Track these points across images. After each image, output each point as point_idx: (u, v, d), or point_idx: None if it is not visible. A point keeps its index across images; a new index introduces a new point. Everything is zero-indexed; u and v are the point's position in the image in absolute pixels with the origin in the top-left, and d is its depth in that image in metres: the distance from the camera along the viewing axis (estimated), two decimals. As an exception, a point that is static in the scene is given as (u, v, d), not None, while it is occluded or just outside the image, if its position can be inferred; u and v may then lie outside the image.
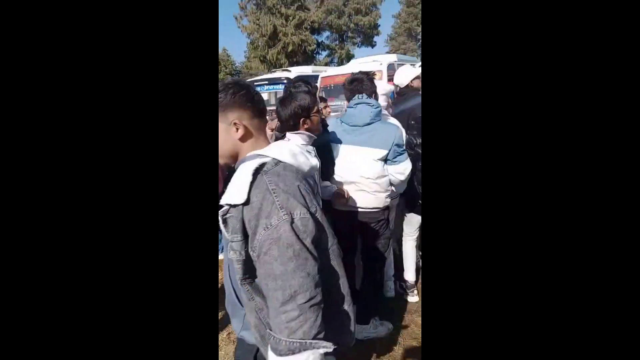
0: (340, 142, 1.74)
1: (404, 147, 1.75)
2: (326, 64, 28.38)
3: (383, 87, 2.48)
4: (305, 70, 9.50)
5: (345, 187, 1.74)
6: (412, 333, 2.00)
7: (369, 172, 1.71)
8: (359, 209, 1.79)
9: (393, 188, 1.82)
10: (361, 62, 7.96)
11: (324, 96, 7.35)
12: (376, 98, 1.80)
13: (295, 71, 9.10)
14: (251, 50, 25.85)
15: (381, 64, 6.88)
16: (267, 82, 8.06)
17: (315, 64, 26.87)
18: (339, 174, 1.76)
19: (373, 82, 1.81)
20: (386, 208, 1.85)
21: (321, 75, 7.50)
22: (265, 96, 8.24)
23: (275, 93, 8.10)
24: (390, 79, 6.80)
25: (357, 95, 1.73)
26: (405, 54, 29.21)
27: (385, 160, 1.71)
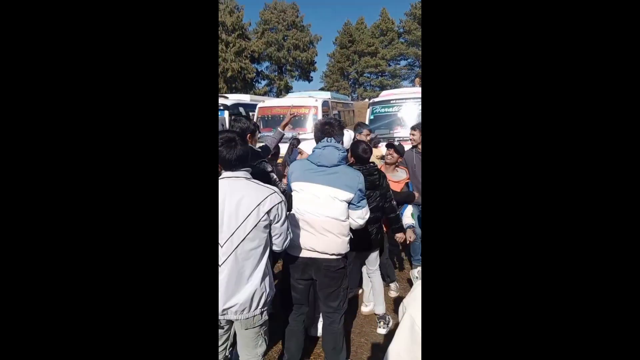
0: (308, 180, 1.77)
1: (365, 193, 1.82)
2: (265, 93, 28.88)
3: (348, 139, 2.74)
4: (244, 98, 9.59)
5: (309, 228, 1.74)
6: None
7: (336, 212, 1.73)
8: (321, 255, 1.75)
9: (351, 235, 1.84)
10: (298, 97, 8.38)
11: (261, 125, 7.52)
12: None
13: (233, 98, 9.13)
14: (187, 71, 25.04)
15: (316, 100, 7.36)
16: (202, 107, 7.92)
17: (254, 92, 27.12)
18: (307, 210, 1.74)
19: (342, 130, 1.97)
20: (345, 257, 1.85)
21: (259, 105, 7.68)
22: (200, 121, 8.03)
23: (211, 118, 7.98)
24: (325, 114, 7.30)
25: (326, 138, 1.82)
26: (338, 91, 31.42)
27: (348, 203, 1.76)
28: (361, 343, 2.30)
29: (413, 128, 3.19)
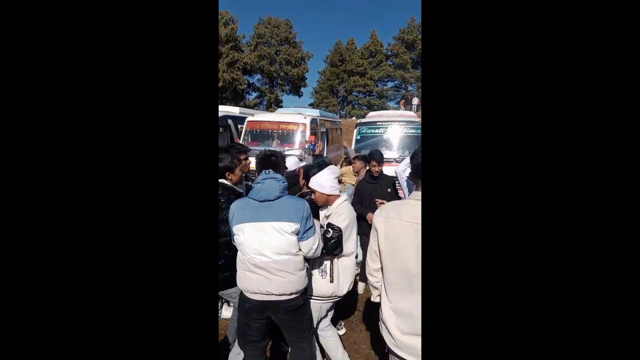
0: (251, 219, 1.65)
1: (312, 219, 1.73)
2: (255, 105, 29.01)
3: (293, 162, 2.74)
4: (232, 110, 9.63)
5: (262, 272, 1.65)
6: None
7: (288, 247, 1.64)
8: (279, 298, 1.67)
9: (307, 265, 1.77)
10: (287, 113, 8.50)
11: (249, 139, 7.55)
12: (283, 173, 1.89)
13: (222, 110, 9.15)
14: (177, 78, 24.96)
15: (305, 118, 7.49)
16: (191, 117, 7.89)
17: (244, 104, 27.20)
18: (255, 253, 1.65)
19: (283, 160, 1.97)
20: (305, 291, 1.78)
21: (248, 119, 7.74)
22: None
23: (199, 129, 7.95)
24: (313, 132, 7.42)
25: (264, 171, 1.75)
26: (327, 107, 31.94)
27: (297, 234, 1.66)
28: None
29: (372, 158, 3.13)
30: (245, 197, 1.80)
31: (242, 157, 2.51)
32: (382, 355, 2.34)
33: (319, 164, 3.72)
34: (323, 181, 2.00)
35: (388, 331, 1.34)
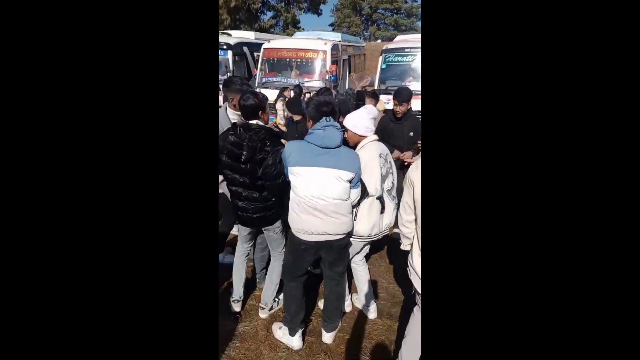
0: (310, 164, 1.73)
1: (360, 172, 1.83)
2: (270, 27, 26.83)
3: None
4: (248, 36, 8.95)
5: (319, 214, 1.75)
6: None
7: (342, 194, 1.75)
8: (333, 237, 1.81)
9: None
10: (306, 38, 7.81)
11: (266, 69, 7.12)
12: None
13: (237, 36, 8.52)
14: None
15: (326, 44, 6.85)
16: (204, 45, 7.42)
17: (259, 25, 25.18)
18: (314, 196, 1.74)
19: (338, 107, 1.91)
20: (349, 233, 1.91)
21: (264, 46, 7.17)
22: (201, 60, 7.59)
23: (214, 58, 7.54)
24: (334, 60, 6.86)
25: (324, 118, 1.77)
26: (349, 28, 29.07)
27: (350, 182, 1.76)
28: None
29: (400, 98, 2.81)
30: (302, 140, 1.80)
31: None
32: (402, 288, 2.54)
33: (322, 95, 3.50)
34: (357, 121, 1.97)
35: (417, 276, 1.47)
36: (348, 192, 1.78)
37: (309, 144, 1.76)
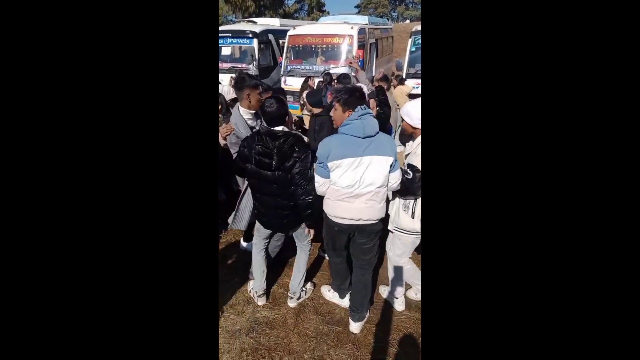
0: (354, 154, 1.72)
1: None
2: (295, 11, 26.46)
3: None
4: (273, 23, 8.87)
5: (356, 201, 1.80)
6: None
7: (384, 180, 1.77)
8: (366, 222, 1.85)
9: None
10: (332, 22, 7.61)
11: (291, 56, 7.05)
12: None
13: (262, 23, 8.48)
14: (213, -14, 23.18)
15: (352, 28, 6.64)
16: (230, 35, 7.46)
17: (284, 10, 24.91)
18: (355, 186, 1.76)
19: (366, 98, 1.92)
20: (384, 217, 1.94)
21: (289, 33, 7.08)
22: (227, 50, 7.66)
23: (240, 48, 7.56)
24: (361, 45, 6.66)
25: (359, 107, 1.76)
26: (376, 9, 27.99)
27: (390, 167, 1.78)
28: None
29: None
30: (339, 134, 1.78)
31: (258, 91, 2.27)
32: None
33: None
34: (411, 111, 1.90)
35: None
36: (387, 178, 1.79)
37: (347, 136, 1.74)
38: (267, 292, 2.33)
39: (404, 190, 1.89)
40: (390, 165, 1.76)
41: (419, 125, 1.87)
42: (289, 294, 2.30)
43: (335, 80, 3.84)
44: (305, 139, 2.14)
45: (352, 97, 1.78)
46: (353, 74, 6.10)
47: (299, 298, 2.29)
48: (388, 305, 2.29)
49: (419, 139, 1.90)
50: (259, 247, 2.25)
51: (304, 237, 2.18)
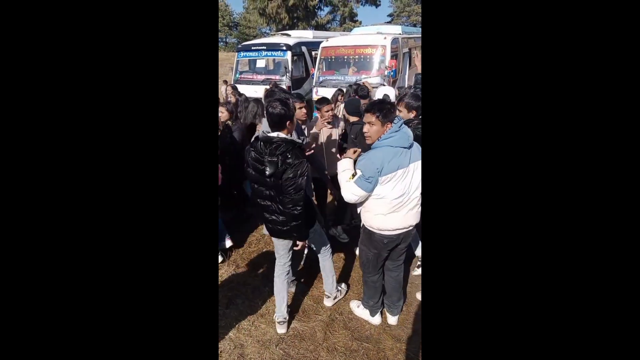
0: (403, 165, 1.80)
1: None
2: (328, 22, 26.89)
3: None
4: (306, 35, 9.08)
5: (408, 210, 1.88)
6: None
7: (420, 182, 1.85)
8: (411, 228, 1.95)
9: None
10: (365, 33, 7.65)
11: (323, 68, 7.17)
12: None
13: (295, 36, 8.71)
14: (250, 1, 24.22)
15: (385, 38, 6.63)
16: (265, 48, 7.74)
17: (316, 21, 25.42)
18: (410, 194, 1.85)
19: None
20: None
21: (322, 45, 7.21)
22: (262, 62, 7.93)
23: (274, 60, 7.81)
24: (394, 55, 6.63)
25: (396, 118, 1.84)
26: (409, 18, 27.67)
27: None
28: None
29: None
30: (383, 147, 1.80)
31: (298, 105, 2.30)
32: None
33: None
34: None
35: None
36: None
37: (392, 148, 1.79)
38: (289, 321, 2.22)
39: None
40: None
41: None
42: (325, 294, 2.38)
43: (353, 92, 3.84)
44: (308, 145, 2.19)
45: (389, 111, 1.82)
46: (385, 84, 6.09)
47: (335, 298, 2.38)
48: (417, 322, 2.22)
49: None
50: (279, 270, 2.16)
51: (320, 244, 2.20)
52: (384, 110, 1.79)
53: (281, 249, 2.12)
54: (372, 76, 6.31)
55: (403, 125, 1.83)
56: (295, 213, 1.81)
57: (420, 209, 1.91)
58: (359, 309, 2.31)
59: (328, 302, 2.38)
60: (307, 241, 2.07)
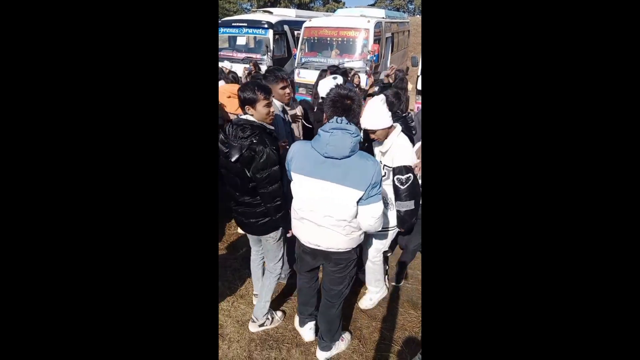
0: (310, 174, 1.44)
1: (380, 184, 1.44)
2: (311, 1, 26.11)
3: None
4: (289, 14, 8.80)
5: (312, 225, 1.54)
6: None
7: (343, 214, 1.44)
8: (329, 249, 1.58)
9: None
10: (348, 15, 7.52)
11: (306, 49, 7.01)
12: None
13: (278, 14, 8.42)
14: (229, -27, 23.00)
15: (369, 21, 6.56)
16: (246, 25, 7.44)
17: (300, 1, 24.61)
18: (308, 209, 1.50)
19: (360, 105, 1.49)
20: (358, 246, 1.65)
21: (305, 25, 7.03)
22: (243, 40, 7.65)
23: (254, 38, 7.54)
24: (377, 39, 6.58)
25: (336, 118, 1.40)
26: (393, 0, 27.36)
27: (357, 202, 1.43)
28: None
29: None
30: (309, 144, 1.49)
31: (281, 85, 2.12)
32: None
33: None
34: (370, 117, 1.75)
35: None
36: (353, 215, 1.44)
37: (312, 150, 1.45)
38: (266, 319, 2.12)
39: (416, 202, 1.75)
40: (357, 201, 1.41)
41: (382, 124, 1.74)
42: (251, 317, 2.10)
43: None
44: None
45: (335, 106, 1.43)
46: (367, 68, 6.06)
47: (262, 325, 2.08)
48: (394, 303, 2.32)
49: (393, 133, 1.79)
50: (253, 258, 2.14)
51: (272, 257, 1.95)
52: (328, 101, 1.46)
53: (253, 242, 2.06)
54: (354, 60, 6.26)
55: (335, 131, 1.39)
56: (275, 205, 1.69)
57: (342, 239, 1.52)
58: (297, 319, 2.06)
59: (252, 327, 2.06)
60: (269, 242, 1.88)
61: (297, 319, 2.08)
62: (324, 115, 1.52)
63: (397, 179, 1.75)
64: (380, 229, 1.59)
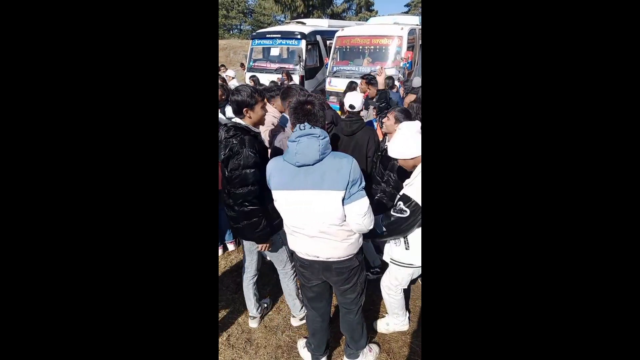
0: (288, 187, 1.41)
1: (360, 180, 1.40)
2: (344, 11, 26.40)
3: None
4: (321, 24, 8.97)
5: (306, 238, 1.50)
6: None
7: (331, 218, 1.39)
8: (328, 260, 1.53)
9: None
10: (381, 23, 7.51)
11: (337, 58, 7.07)
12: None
13: (310, 24, 8.61)
14: (264, -12, 23.97)
15: (402, 28, 6.49)
16: (279, 36, 7.68)
17: (332, 9, 25.00)
18: (298, 224, 1.46)
19: (323, 108, 1.45)
20: (360, 251, 1.60)
21: (337, 34, 7.12)
22: (276, 51, 7.89)
23: (288, 48, 7.75)
24: (410, 46, 6.49)
25: (298, 126, 1.39)
26: (429, 6, 26.87)
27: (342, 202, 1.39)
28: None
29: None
30: (281, 158, 1.45)
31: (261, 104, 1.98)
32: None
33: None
34: (399, 146, 1.64)
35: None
36: (341, 216, 1.40)
37: (284, 163, 1.42)
38: (262, 317, 2.22)
39: (391, 231, 1.66)
40: (341, 201, 1.37)
41: (414, 153, 1.61)
42: (292, 314, 2.19)
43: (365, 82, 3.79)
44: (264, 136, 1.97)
45: (296, 113, 1.40)
46: (400, 75, 5.98)
47: (301, 319, 2.14)
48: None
49: (418, 168, 1.63)
50: (247, 274, 2.09)
51: (278, 262, 1.96)
52: (290, 109, 1.46)
53: (247, 250, 2.03)
54: (387, 67, 6.22)
55: (301, 138, 1.36)
56: (246, 210, 1.66)
57: (338, 245, 1.48)
58: (303, 350, 1.95)
59: (294, 322, 2.16)
60: (264, 247, 1.86)
61: (305, 351, 1.94)
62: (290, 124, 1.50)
63: (397, 204, 1.65)
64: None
